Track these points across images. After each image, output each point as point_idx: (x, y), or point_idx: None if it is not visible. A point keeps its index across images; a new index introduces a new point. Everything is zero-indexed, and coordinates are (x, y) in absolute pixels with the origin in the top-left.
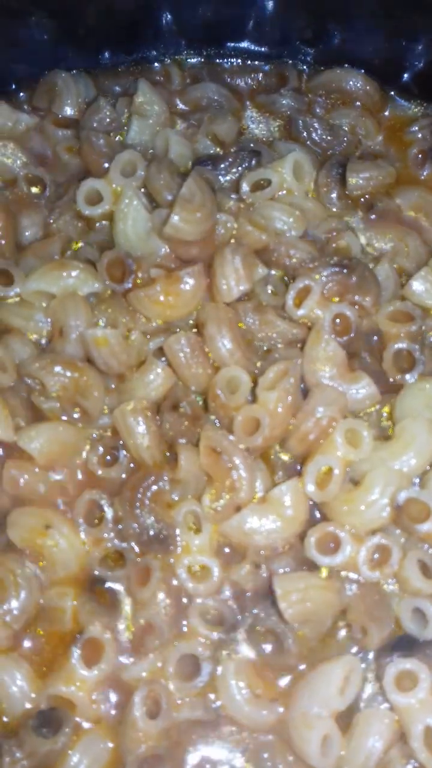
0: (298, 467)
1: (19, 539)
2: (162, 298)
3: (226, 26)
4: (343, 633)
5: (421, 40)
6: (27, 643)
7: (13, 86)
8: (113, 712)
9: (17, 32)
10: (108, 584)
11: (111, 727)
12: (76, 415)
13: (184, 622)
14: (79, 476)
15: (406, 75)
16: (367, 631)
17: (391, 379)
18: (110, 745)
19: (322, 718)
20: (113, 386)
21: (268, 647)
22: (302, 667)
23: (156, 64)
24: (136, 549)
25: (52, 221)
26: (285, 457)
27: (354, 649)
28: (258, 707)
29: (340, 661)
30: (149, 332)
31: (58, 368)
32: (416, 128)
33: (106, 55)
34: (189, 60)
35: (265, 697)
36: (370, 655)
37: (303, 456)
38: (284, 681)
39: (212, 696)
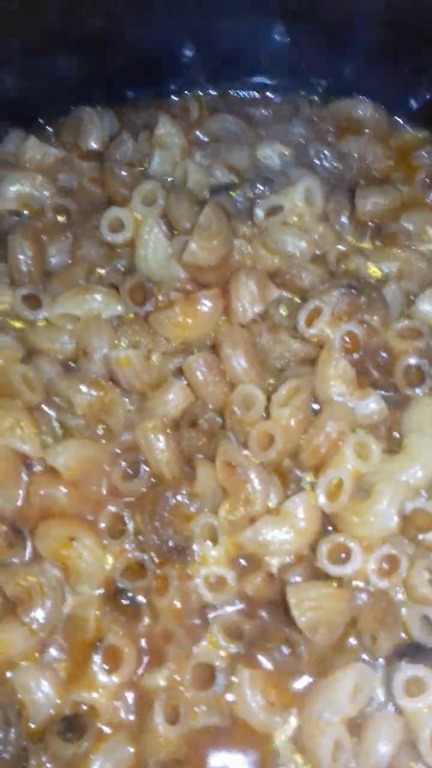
0: (310, 480)
1: (46, 550)
2: (181, 319)
3: (241, 61)
4: (353, 641)
5: (426, 72)
6: (52, 651)
7: (42, 122)
8: (133, 718)
9: (46, 71)
10: (129, 594)
11: (132, 733)
12: (100, 432)
13: (203, 632)
14: (103, 490)
15: (413, 103)
16: (376, 638)
17: (400, 394)
18: (131, 750)
19: (333, 724)
20: (135, 404)
21: (281, 655)
22: (314, 674)
23: (175, 98)
24: (156, 560)
25: (77, 248)
26: (298, 472)
27: (364, 657)
28: (272, 715)
29: (351, 669)
30: (169, 352)
31: (84, 387)
32: (423, 153)
33: (129, 91)
34: (207, 93)
35: (278, 705)
36: (380, 663)
37: (315, 469)
38: (297, 689)
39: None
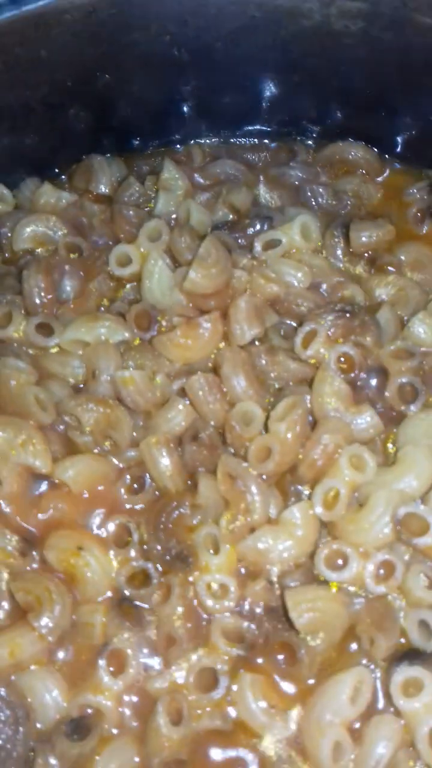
0: (307, 493)
1: (55, 560)
2: (182, 341)
3: (240, 111)
4: (353, 645)
5: (409, 113)
6: (60, 655)
7: (56, 170)
8: (138, 720)
9: (59, 123)
10: (134, 601)
11: (136, 734)
12: (107, 448)
13: (204, 637)
14: (109, 503)
15: (402, 144)
16: (374, 642)
17: (394, 411)
18: (135, 750)
19: (334, 726)
20: (140, 422)
21: (282, 659)
22: (315, 677)
23: (179, 146)
24: (160, 568)
25: (87, 281)
26: (298, 486)
27: (364, 661)
28: (273, 717)
29: (351, 672)
30: (172, 373)
31: (91, 405)
32: (414, 190)
33: (136, 140)
34: (208, 141)
35: (279, 708)
36: (379, 666)
37: (313, 483)
38: (297, 692)
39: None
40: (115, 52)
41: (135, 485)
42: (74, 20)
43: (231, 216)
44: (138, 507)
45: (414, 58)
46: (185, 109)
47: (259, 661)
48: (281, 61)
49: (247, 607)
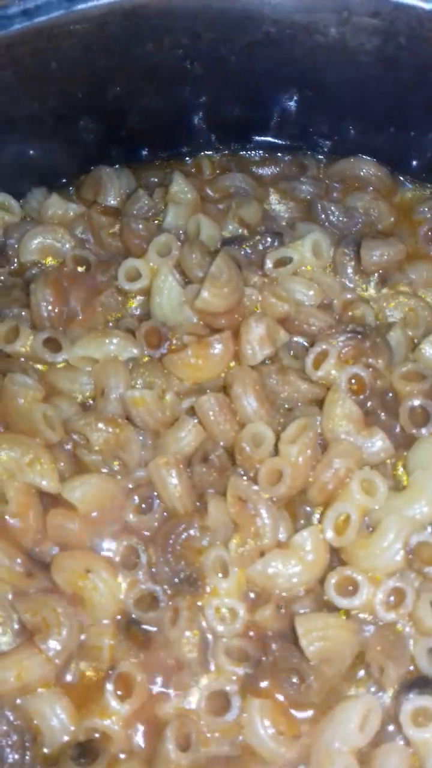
0: (318, 516)
1: (62, 581)
2: (193, 361)
3: (251, 123)
4: (362, 672)
5: (422, 132)
6: (67, 678)
7: (64, 180)
8: (146, 744)
9: (68, 135)
10: (142, 624)
11: (144, 759)
12: (115, 468)
13: (211, 661)
14: (117, 524)
15: (414, 162)
16: (384, 670)
17: (405, 434)
18: None
19: (342, 754)
20: (149, 442)
21: (290, 685)
22: (324, 704)
23: (188, 158)
24: (169, 591)
25: (96, 296)
26: (307, 508)
27: (373, 689)
28: (281, 744)
29: (360, 700)
30: (182, 392)
31: (101, 425)
32: (425, 209)
33: (145, 151)
34: (218, 153)
35: (288, 734)
36: (389, 694)
37: (323, 505)
38: (306, 719)
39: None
40: (126, 65)
41: (143, 506)
42: (86, 32)
43: (241, 230)
44: (146, 528)
45: (429, 76)
46: (195, 120)
47: (268, 686)
48: (294, 75)
49: (256, 632)
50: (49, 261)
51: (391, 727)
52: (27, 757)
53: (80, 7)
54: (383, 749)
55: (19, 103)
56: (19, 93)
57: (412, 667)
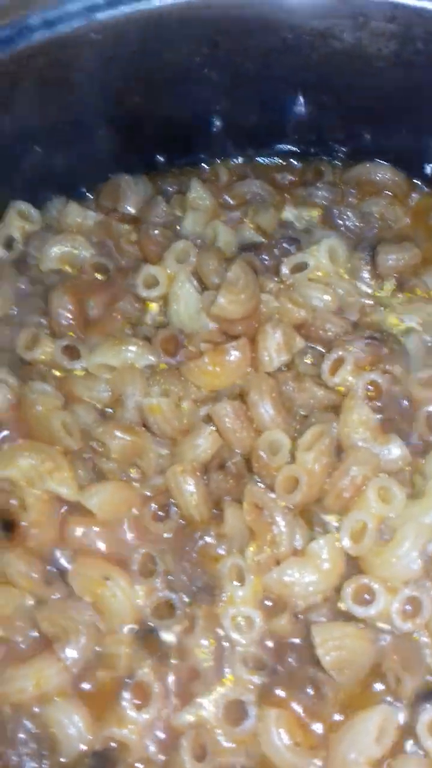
0: (335, 524)
1: (80, 589)
2: (210, 368)
3: (267, 130)
4: (378, 683)
5: None
6: (84, 687)
7: (82, 189)
8: (163, 753)
9: (87, 143)
10: (159, 633)
11: None
12: (133, 475)
13: (227, 670)
14: (134, 531)
15: (430, 166)
16: (400, 680)
17: (423, 441)
18: None
19: (359, 765)
20: (166, 449)
21: (306, 695)
22: (340, 715)
23: (205, 165)
24: (185, 599)
25: (114, 303)
26: (323, 515)
27: (389, 699)
28: (298, 755)
29: (376, 711)
30: (198, 400)
31: (118, 432)
32: None
33: (163, 159)
34: (235, 160)
35: (304, 745)
36: (405, 705)
37: (339, 513)
38: (322, 729)
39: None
40: (145, 74)
41: (160, 513)
42: (105, 42)
43: (257, 236)
44: (164, 535)
45: None
46: (212, 128)
47: (284, 696)
48: (311, 81)
49: (272, 641)
50: (68, 269)
51: (407, 738)
52: (44, 766)
53: (100, 17)
54: (400, 761)
55: (39, 112)
56: (39, 102)
57: (429, 677)
